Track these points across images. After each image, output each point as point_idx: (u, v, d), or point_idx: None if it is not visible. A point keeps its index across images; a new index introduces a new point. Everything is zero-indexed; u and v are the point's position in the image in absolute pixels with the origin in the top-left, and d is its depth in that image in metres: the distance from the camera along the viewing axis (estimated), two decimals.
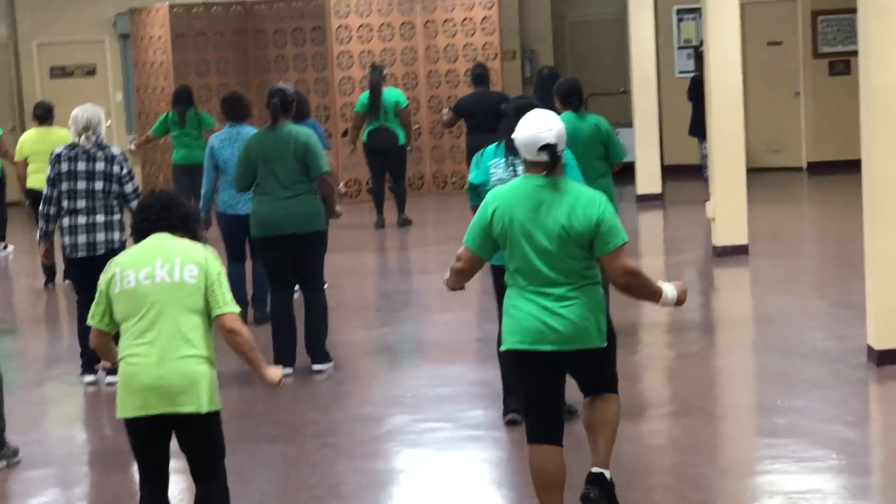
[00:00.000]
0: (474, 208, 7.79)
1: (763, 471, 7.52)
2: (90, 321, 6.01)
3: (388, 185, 17.61)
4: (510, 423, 8.26)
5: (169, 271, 5.86)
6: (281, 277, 9.90)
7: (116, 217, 9.64)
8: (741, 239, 13.75)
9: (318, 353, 9.96)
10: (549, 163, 6.07)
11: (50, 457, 8.35)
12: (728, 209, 13.70)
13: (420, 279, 14.36)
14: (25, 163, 14.04)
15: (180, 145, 15.89)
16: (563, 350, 6.10)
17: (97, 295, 5.98)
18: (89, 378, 9.91)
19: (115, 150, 9.68)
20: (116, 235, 9.63)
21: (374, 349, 11.04)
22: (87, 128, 9.64)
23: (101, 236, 9.58)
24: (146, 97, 20.65)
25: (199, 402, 5.80)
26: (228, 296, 5.94)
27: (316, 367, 9.91)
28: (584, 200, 6.07)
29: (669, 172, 19.59)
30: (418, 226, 17.37)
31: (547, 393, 6.22)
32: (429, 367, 10.37)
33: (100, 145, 9.65)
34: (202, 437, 5.90)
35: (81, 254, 9.62)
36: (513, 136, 6.24)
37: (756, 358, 10.18)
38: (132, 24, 20.87)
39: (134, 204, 9.57)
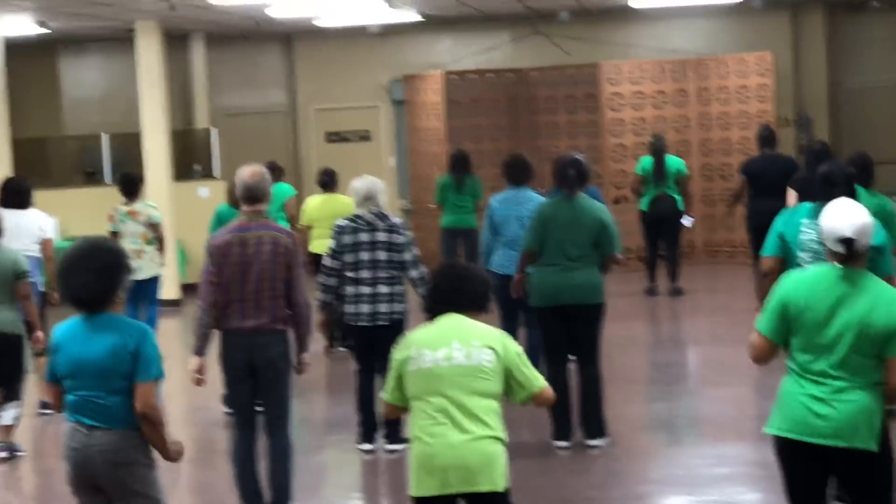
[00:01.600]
0: (766, 259, 7.77)
1: None
2: (385, 395, 6.11)
3: (659, 253, 17.54)
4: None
5: (466, 354, 5.91)
6: (558, 348, 9.85)
7: (399, 288, 9.77)
8: None
9: (595, 427, 9.87)
10: (845, 255, 5.90)
11: None
12: None
13: (693, 351, 14.16)
14: (308, 228, 14.31)
15: (453, 210, 16.12)
16: (827, 445, 5.81)
17: (391, 370, 6.07)
18: (367, 447, 10.01)
19: (396, 220, 9.82)
20: (399, 307, 9.76)
21: (649, 424, 10.90)
22: (368, 198, 9.83)
23: (384, 307, 9.72)
24: (419, 162, 20.95)
25: (495, 481, 5.88)
26: (535, 372, 6.03)
27: (591, 441, 9.83)
28: (886, 298, 5.84)
29: None
30: (690, 295, 17.17)
31: (807, 486, 5.97)
32: (705, 445, 10.19)
33: (381, 216, 9.80)
34: None
35: (363, 323, 9.77)
36: (820, 218, 6.06)
37: None
38: (406, 90, 21.27)
39: (413, 272, 9.71)
